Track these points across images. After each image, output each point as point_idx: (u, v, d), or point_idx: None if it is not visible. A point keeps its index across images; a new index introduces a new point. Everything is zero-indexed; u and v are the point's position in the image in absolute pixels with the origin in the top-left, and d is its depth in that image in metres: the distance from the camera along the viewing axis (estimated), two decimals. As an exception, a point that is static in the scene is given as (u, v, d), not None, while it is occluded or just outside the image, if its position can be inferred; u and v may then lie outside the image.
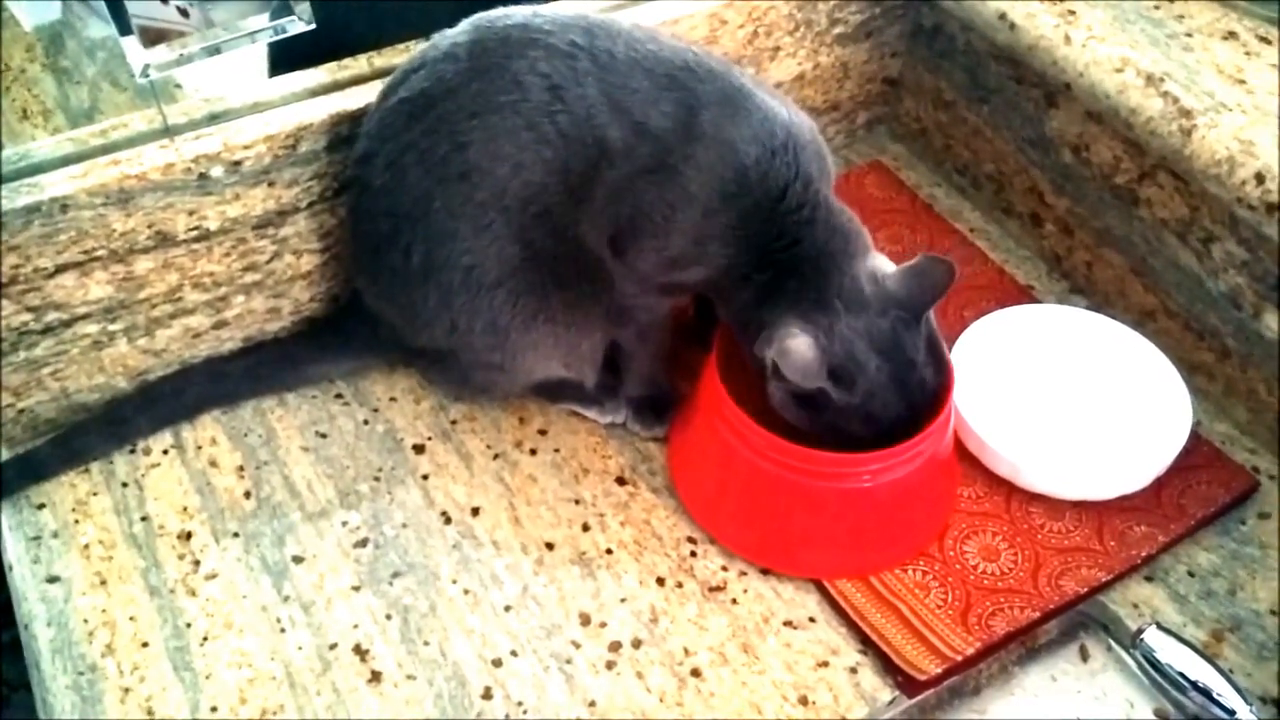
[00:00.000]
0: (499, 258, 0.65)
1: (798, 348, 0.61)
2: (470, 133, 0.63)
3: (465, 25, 0.65)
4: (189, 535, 0.67)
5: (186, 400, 0.73)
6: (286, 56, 0.74)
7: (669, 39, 0.65)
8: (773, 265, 0.64)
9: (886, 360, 0.62)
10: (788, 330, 0.61)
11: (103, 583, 0.64)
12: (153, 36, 0.66)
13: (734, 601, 0.64)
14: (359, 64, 0.74)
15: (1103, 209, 0.79)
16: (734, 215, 0.63)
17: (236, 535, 0.67)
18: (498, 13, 0.65)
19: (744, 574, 0.66)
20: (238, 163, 0.68)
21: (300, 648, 0.62)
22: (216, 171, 0.68)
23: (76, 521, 0.67)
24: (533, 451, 0.72)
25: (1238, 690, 0.59)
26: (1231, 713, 0.58)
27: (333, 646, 0.62)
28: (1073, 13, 0.77)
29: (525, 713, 0.59)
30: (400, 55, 0.74)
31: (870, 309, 0.63)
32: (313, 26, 0.68)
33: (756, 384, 0.74)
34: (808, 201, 0.63)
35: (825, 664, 0.62)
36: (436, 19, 0.68)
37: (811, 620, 0.64)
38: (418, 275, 0.66)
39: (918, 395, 0.63)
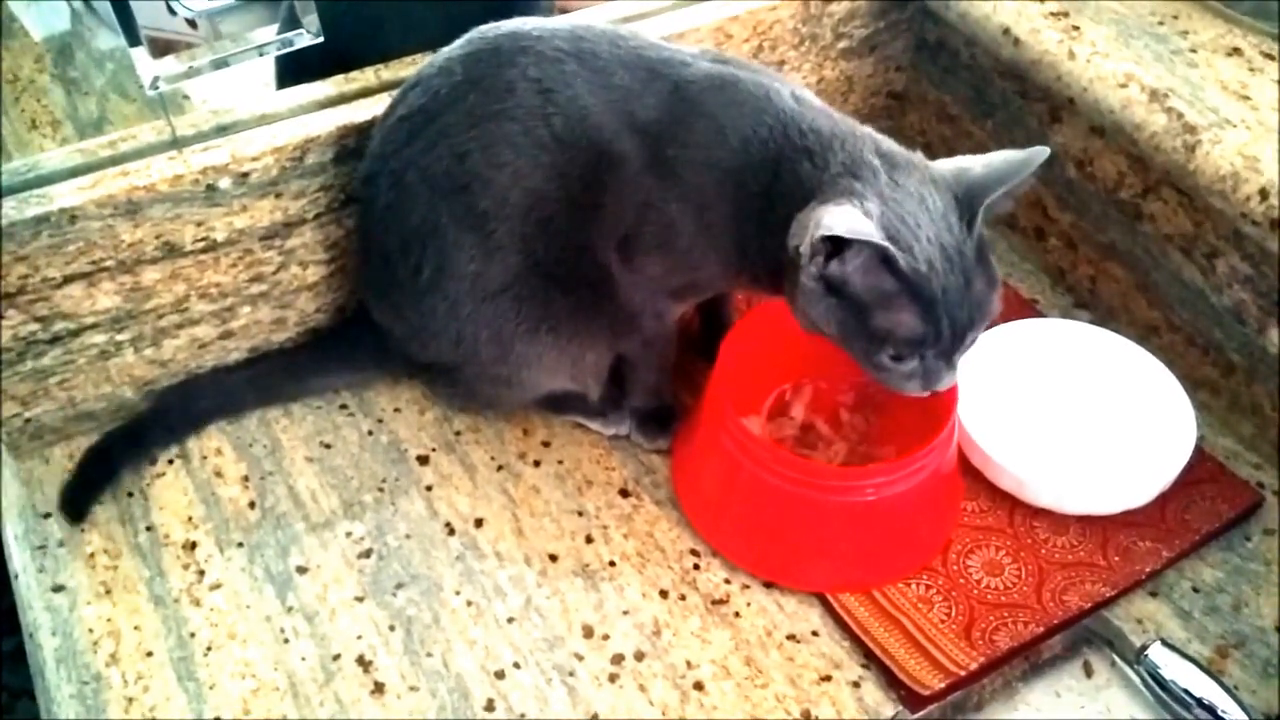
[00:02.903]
0: (502, 266, 0.65)
1: (838, 208, 0.55)
2: (469, 143, 0.63)
3: (460, 41, 0.66)
4: (194, 545, 0.67)
5: (193, 412, 0.73)
6: (294, 69, 0.74)
7: (651, 37, 0.66)
8: (779, 179, 0.60)
9: (938, 234, 0.56)
10: (822, 209, 0.56)
11: (107, 592, 0.64)
12: (161, 47, 0.66)
13: (737, 615, 0.64)
14: (365, 77, 0.74)
15: (1107, 224, 0.79)
16: (728, 182, 0.61)
17: (241, 545, 0.67)
18: (490, 26, 0.66)
19: (747, 587, 0.66)
20: (245, 174, 0.68)
21: (304, 658, 0.62)
22: (224, 183, 0.68)
23: (82, 531, 0.67)
24: (536, 463, 0.72)
25: (1242, 707, 0.59)
26: (1235, 730, 0.58)
27: (336, 657, 0.62)
28: (1077, 28, 0.77)
29: (528, 725, 0.59)
30: (407, 68, 0.74)
31: (915, 171, 0.58)
32: (320, 39, 0.68)
33: (761, 392, 0.74)
34: (790, 119, 0.60)
35: (828, 678, 0.62)
36: (447, 33, 0.69)
37: (814, 634, 0.64)
38: (425, 289, 0.66)
39: (972, 288, 0.57)
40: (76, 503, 0.68)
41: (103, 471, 0.69)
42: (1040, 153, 0.58)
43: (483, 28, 0.66)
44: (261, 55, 0.69)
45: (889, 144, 0.61)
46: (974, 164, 0.60)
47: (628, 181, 0.62)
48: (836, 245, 0.56)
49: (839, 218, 0.55)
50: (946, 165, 0.61)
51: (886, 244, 0.55)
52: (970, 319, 0.58)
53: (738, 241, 0.62)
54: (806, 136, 0.60)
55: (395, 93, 0.68)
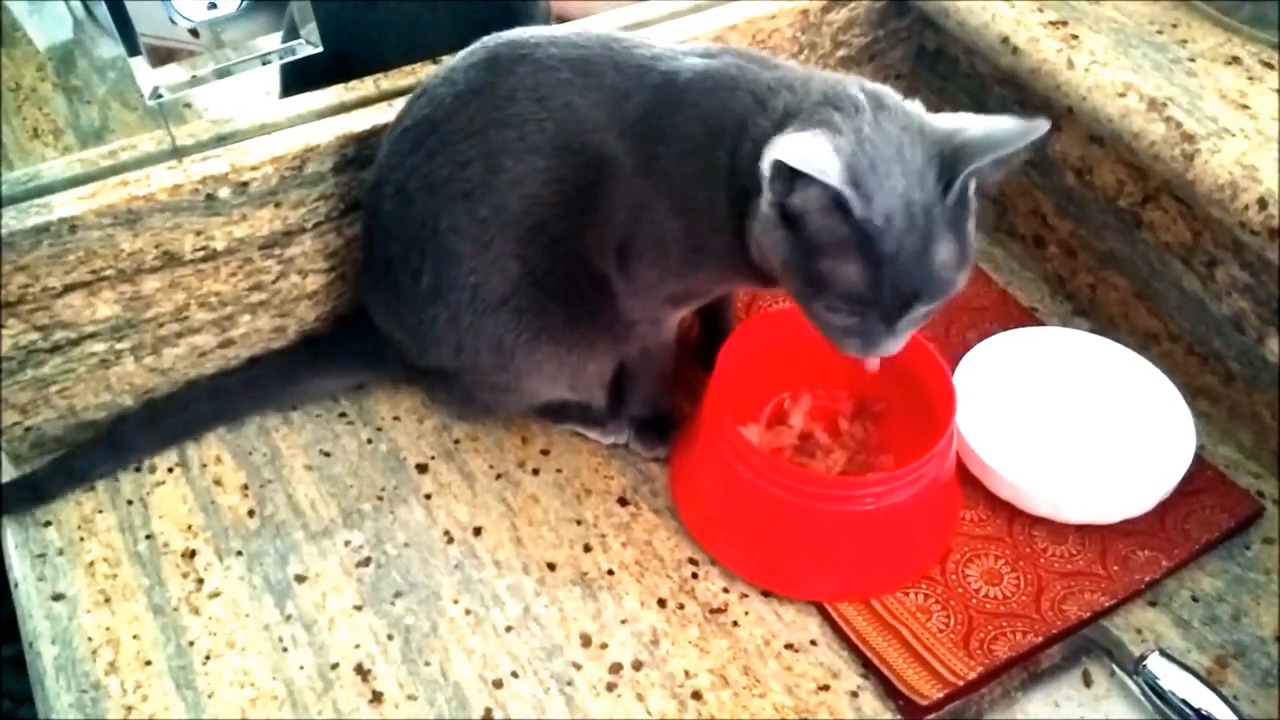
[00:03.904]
0: (502, 276, 0.65)
1: (801, 137, 0.52)
2: (469, 151, 0.63)
3: (463, 52, 0.67)
4: (193, 553, 0.67)
5: (189, 418, 0.73)
6: (299, 77, 0.75)
7: (643, 38, 0.66)
8: (749, 127, 0.58)
9: (908, 189, 0.52)
10: (790, 134, 0.53)
11: (107, 600, 0.64)
12: (162, 56, 0.67)
13: (735, 624, 0.64)
14: (365, 86, 0.75)
15: (1106, 232, 0.79)
16: (706, 165, 0.60)
17: (240, 554, 0.67)
18: (491, 36, 0.66)
19: (745, 596, 0.66)
20: (245, 184, 0.69)
21: (302, 667, 0.62)
22: (224, 192, 0.68)
23: (82, 539, 0.68)
24: (535, 472, 0.72)
25: (1241, 718, 0.59)
26: (1234, 740, 0.58)
27: (334, 666, 0.62)
28: (1076, 37, 0.77)
29: (525, 734, 0.59)
30: (407, 77, 0.75)
31: (902, 117, 0.55)
32: (319, 50, 0.68)
33: (760, 401, 0.74)
34: (760, 80, 0.59)
35: (826, 687, 0.62)
36: (449, 38, 0.69)
37: (813, 643, 0.64)
38: (427, 297, 0.66)
39: (931, 256, 0.53)
40: (38, 493, 0.69)
41: (70, 473, 0.70)
42: (1040, 125, 0.54)
43: (485, 39, 0.66)
44: (264, 64, 0.70)
45: (881, 87, 0.57)
46: (971, 124, 0.55)
47: (620, 185, 0.62)
48: (793, 177, 0.53)
49: (799, 146, 0.52)
50: (944, 121, 0.56)
51: (841, 186, 0.51)
52: (919, 289, 0.54)
53: (728, 229, 0.61)
54: (781, 80, 0.59)
55: (404, 103, 0.68)
